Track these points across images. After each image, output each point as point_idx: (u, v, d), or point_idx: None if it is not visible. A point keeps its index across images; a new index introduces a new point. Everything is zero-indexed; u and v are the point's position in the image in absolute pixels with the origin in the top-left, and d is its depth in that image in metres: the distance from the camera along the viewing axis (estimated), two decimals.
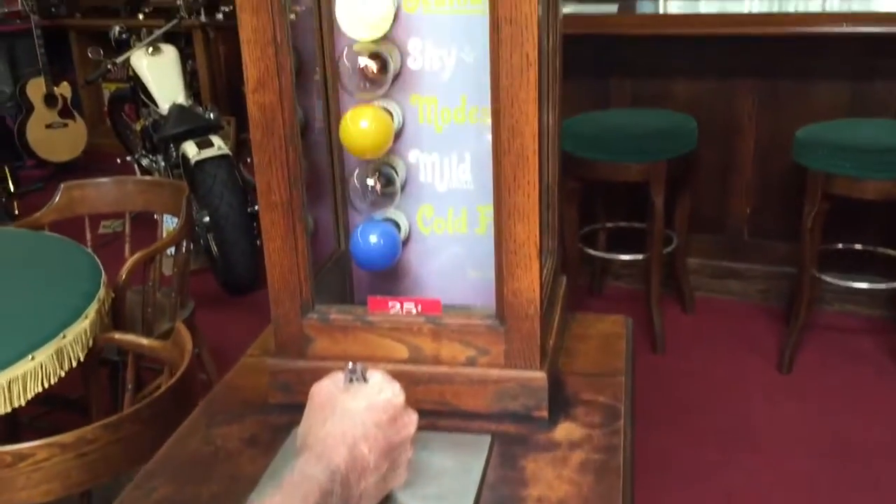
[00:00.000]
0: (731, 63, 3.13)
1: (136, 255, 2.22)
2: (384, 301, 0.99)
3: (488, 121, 0.96)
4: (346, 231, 1.15)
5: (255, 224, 3.51)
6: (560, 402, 0.99)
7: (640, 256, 3.13)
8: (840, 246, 3.05)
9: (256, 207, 3.46)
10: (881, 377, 2.79)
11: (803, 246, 2.77)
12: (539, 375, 0.95)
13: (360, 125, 0.99)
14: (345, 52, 0.99)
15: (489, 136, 0.94)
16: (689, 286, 3.28)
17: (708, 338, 3.11)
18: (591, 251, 3.26)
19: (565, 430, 0.94)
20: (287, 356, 1.02)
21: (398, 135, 1.08)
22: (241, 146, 4.62)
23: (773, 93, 3.11)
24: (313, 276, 1.01)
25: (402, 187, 1.11)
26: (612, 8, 3.43)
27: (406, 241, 1.13)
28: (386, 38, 1.01)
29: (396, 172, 1.09)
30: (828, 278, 2.85)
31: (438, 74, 1.06)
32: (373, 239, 1.06)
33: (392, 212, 1.12)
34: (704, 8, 3.38)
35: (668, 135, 2.90)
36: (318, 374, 0.82)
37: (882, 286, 2.92)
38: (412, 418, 0.81)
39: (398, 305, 0.99)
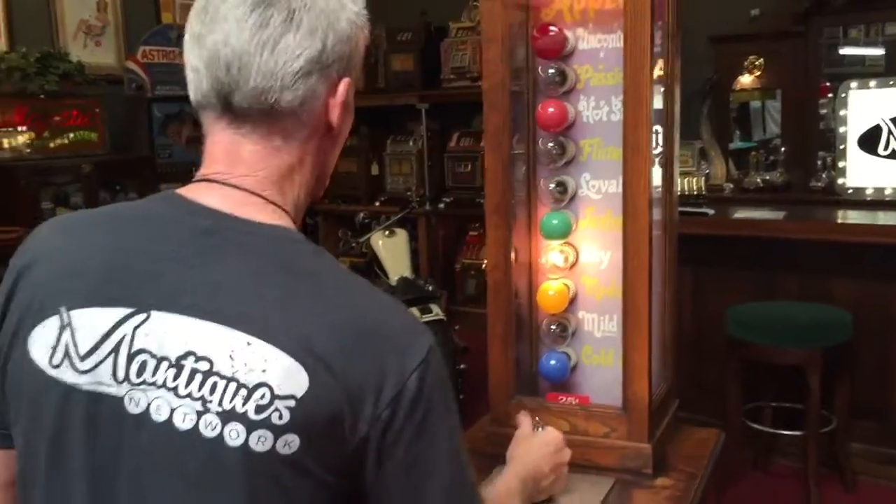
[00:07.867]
0: (891, 267, 3.44)
1: None
2: (557, 395, 1.61)
3: None
4: (537, 360, 1.79)
5: (459, 381, 4.19)
6: (660, 466, 1.55)
7: (798, 433, 3.43)
8: None
9: (462, 367, 4.17)
10: None
11: None
12: (647, 447, 1.53)
13: (549, 293, 1.66)
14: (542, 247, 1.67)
15: None
16: (851, 468, 3.43)
17: None
18: (754, 424, 3.59)
19: (661, 482, 1.50)
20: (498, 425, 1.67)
21: (572, 301, 1.73)
22: (451, 316, 5.39)
23: None
24: (517, 381, 1.66)
25: (573, 333, 1.74)
26: (780, 214, 3.96)
27: (574, 368, 1.75)
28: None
29: (569, 323, 1.73)
30: None
31: (597, 266, 1.71)
32: (553, 363, 1.70)
33: (565, 347, 1.75)
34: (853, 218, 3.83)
35: (824, 326, 3.26)
36: None
37: None
38: (567, 452, 1.42)
39: (565, 398, 1.62)
